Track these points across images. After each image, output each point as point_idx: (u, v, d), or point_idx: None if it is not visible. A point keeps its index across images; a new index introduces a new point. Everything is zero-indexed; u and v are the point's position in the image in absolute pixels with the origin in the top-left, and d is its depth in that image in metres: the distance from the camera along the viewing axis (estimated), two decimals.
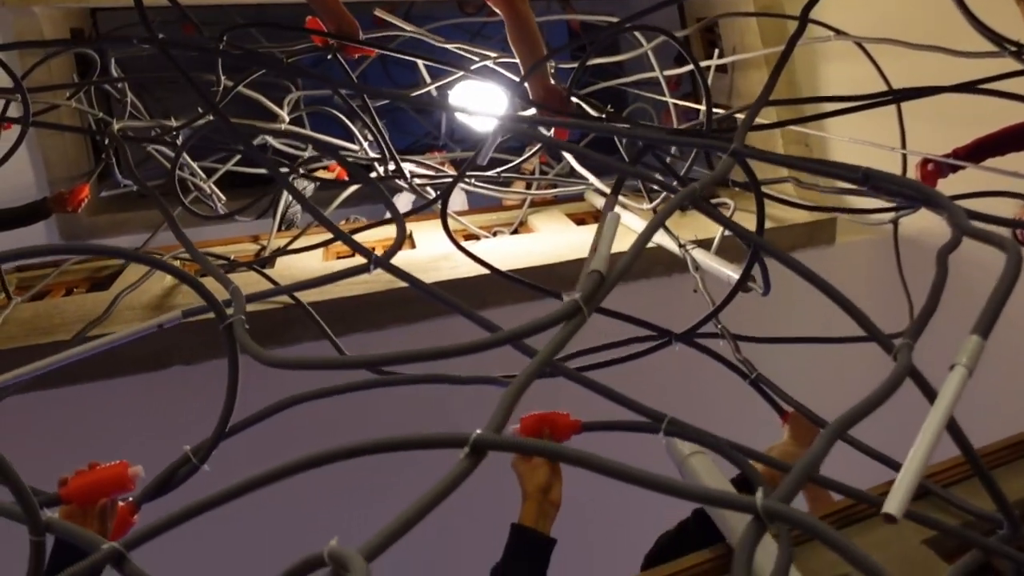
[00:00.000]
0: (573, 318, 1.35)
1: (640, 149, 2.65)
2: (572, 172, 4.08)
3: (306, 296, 3.20)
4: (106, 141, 4.22)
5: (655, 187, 3.73)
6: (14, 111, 3.45)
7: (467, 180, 3.88)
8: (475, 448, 1.13)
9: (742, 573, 1.02)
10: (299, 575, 1.02)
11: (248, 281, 3.34)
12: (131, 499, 1.76)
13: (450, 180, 3.11)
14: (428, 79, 4.11)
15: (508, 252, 3.52)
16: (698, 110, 4.00)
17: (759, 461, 1.76)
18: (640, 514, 2.16)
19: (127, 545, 1.16)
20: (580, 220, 4.29)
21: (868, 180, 1.79)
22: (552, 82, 2.91)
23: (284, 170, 3.87)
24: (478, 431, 1.14)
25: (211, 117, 3.36)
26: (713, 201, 3.88)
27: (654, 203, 3.64)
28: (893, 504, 1.02)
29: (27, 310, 3.42)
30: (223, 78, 3.45)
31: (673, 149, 3.39)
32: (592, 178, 3.75)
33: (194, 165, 4.20)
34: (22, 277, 3.83)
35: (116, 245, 4.02)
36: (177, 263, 3.74)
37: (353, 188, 4.38)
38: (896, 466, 1.07)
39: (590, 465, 1.13)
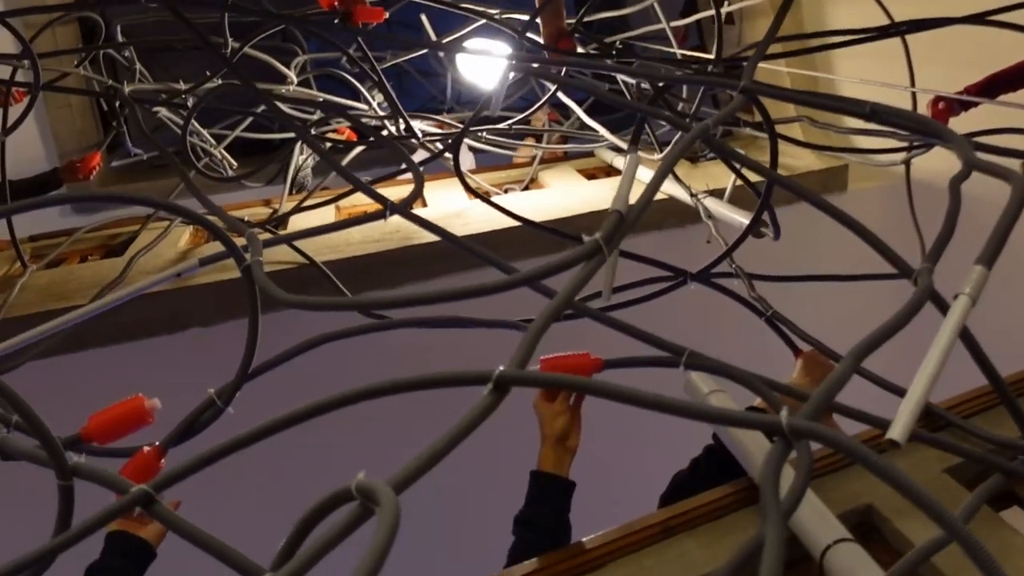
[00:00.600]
0: (593, 258, 1.36)
1: (656, 91, 2.64)
2: (582, 127, 4.07)
3: (320, 255, 3.21)
4: (117, 104, 4.22)
5: (666, 127, 3.73)
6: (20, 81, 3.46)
7: (477, 136, 3.87)
8: (498, 384, 1.14)
9: (771, 493, 1.02)
10: (328, 509, 1.03)
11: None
12: (157, 444, 1.78)
13: (459, 135, 3.11)
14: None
15: (521, 207, 3.50)
16: (708, 60, 3.99)
17: (780, 392, 1.76)
18: (657, 455, 2.17)
19: (156, 487, 1.18)
20: (591, 175, 4.27)
21: (875, 115, 1.80)
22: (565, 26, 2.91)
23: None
24: (501, 367, 1.15)
25: (220, 81, 3.37)
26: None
27: (665, 153, 3.62)
28: (897, 429, 1.03)
29: (43, 277, 3.44)
30: (230, 40, 3.44)
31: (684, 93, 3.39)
32: (603, 131, 3.74)
33: (204, 132, 4.20)
34: (36, 246, 3.84)
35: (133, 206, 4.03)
36: (190, 227, 3.77)
37: (360, 150, 4.36)
38: None
39: (615, 395, 1.14)
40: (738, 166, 2.70)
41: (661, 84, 2.68)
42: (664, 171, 1.52)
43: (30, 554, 1.16)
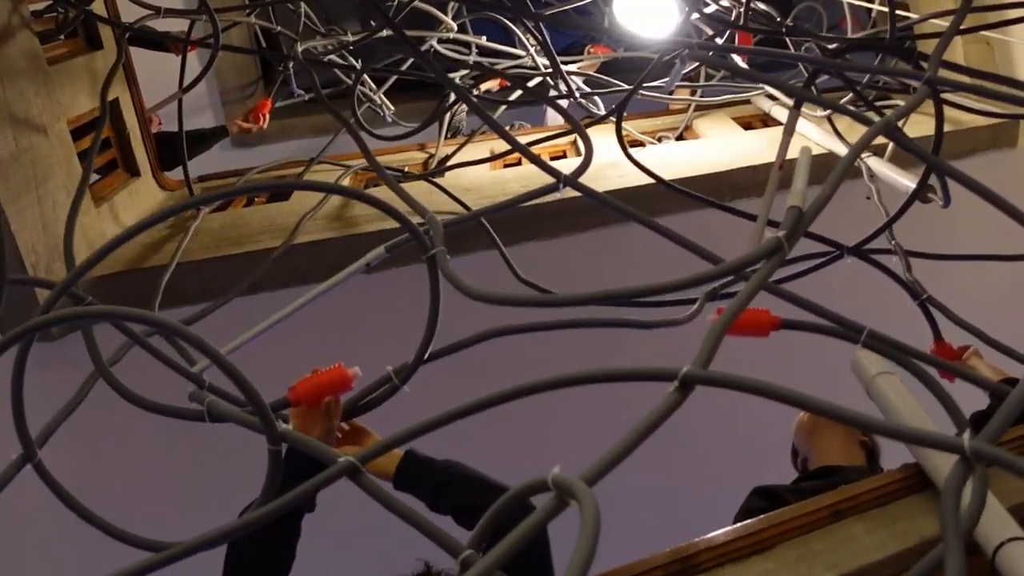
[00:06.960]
0: (775, 255, 1.39)
1: (814, 71, 2.58)
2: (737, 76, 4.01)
3: (478, 207, 3.25)
4: (291, 63, 4.37)
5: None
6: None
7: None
8: (684, 382, 1.18)
9: (952, 517, 1.05)
10: (524, 497, 1.09)
11: (419, 191, 3.41)
12: None
13: (624, 90, 3.12)
14: None
15: (676, 160, 3.51)
16: (869, 9, 3.86)
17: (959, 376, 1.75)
18: None
19: (362, 459, 1.26)
20: (747, 124, 4.20)
21: None
22: None
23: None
24: (687, 366, 1.19)
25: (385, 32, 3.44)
26: (886, 103, 3.77)
27: (827, 112, 3.53)
28: None
29: (214, 220, 3.59)
30: None
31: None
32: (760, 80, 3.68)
33: (366, 76, 4.30)
34: (204, 187, 4.04)
35: (293, 171, 4.19)
36: (350, 175, 3.88)
37: (518, 94, 4.40)
38: None
39: (798, 403, 1.17)
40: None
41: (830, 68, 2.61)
42: (846, 164, 1.53)
43: (241, 521, 1.22)
